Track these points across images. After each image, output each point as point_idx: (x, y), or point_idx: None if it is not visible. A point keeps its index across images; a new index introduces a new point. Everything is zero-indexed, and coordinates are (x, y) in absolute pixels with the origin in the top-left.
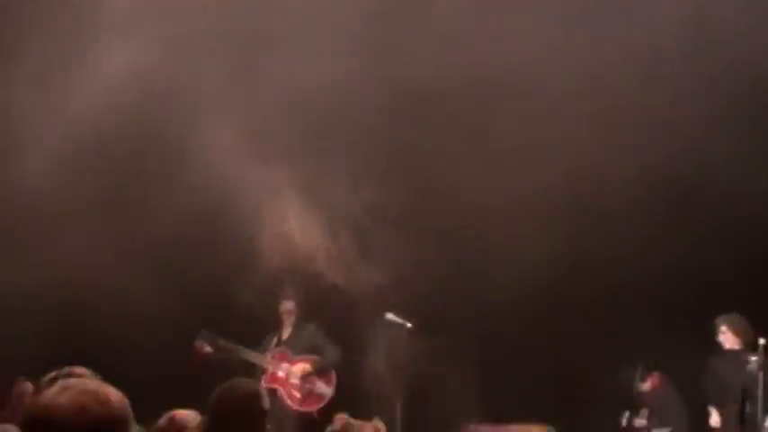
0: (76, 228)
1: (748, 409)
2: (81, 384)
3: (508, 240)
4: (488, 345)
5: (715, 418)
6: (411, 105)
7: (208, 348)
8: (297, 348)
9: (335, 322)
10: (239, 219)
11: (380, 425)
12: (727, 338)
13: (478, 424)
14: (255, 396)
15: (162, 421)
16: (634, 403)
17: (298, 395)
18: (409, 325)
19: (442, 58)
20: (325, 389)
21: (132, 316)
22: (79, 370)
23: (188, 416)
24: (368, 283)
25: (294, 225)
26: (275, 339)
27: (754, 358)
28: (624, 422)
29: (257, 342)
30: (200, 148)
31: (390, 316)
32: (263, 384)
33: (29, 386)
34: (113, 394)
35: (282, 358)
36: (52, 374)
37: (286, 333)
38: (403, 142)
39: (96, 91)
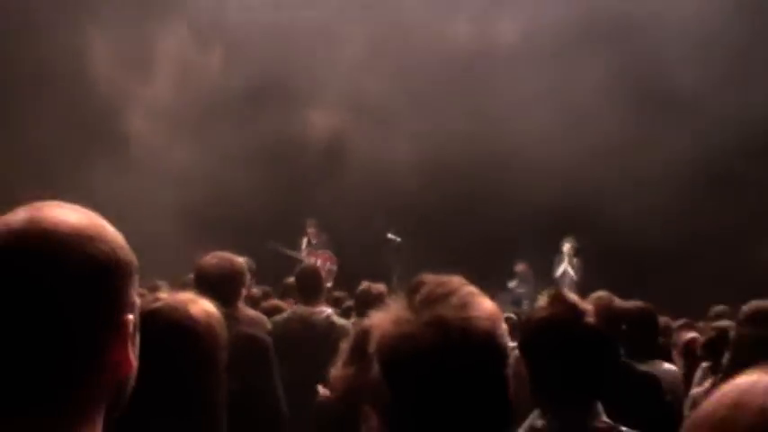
0: None
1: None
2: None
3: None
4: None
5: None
6: None
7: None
8: (318, 247)
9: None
10: None
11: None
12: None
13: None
14: (317, 269)
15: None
16: (513, 276)
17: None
18: (399, 239)
19: None
20: (335, 267)
21: None
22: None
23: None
24: None
25: None
26: (305, 242)
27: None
28: (509, 286)
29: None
30: None
31: (390, 235)
32: None
33: None
34: (237, 259)
35: (312, 255)
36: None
37: (313, 239)
38: None
39: None
